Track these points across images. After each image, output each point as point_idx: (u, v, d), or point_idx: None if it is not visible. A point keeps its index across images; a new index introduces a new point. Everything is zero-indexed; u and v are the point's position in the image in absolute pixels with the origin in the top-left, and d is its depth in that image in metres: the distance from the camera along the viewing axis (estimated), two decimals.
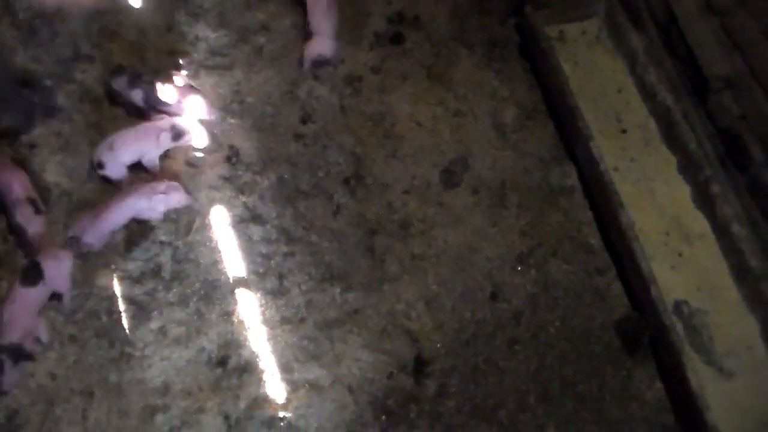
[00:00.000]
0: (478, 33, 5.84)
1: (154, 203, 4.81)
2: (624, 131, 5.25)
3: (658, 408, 4.50)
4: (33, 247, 4.68)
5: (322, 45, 5.50)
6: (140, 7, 5.81)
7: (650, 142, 5.22)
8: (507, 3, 5.94)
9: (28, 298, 4.40)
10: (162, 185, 4.85)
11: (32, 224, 4.71)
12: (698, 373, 4.30)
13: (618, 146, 5.16)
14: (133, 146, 4.97)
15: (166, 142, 5.01)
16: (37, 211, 4.75)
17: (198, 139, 5.14)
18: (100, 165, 4.95)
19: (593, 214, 5.07)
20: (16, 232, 4.75)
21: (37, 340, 4.45)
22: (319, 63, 5.54)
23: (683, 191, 5.03)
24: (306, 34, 5.61)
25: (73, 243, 4.72)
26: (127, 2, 5.80)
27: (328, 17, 5.54)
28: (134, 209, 4.82)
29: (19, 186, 4.78)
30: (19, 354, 4.29)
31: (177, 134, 5.02)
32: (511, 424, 4.41)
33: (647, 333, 4.57)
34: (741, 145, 4.86)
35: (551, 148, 5.33)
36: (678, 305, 4.63)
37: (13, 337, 4.28)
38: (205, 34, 5.73)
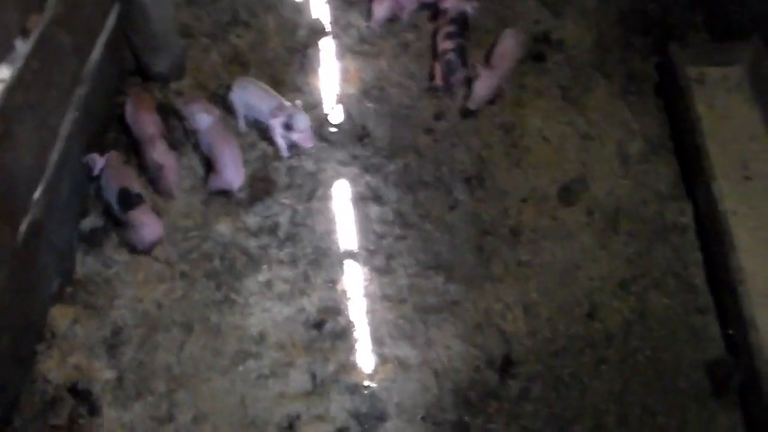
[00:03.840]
0: (619, 65, 5.97)
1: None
2: (748, 178, 5.20)
3: None
4: (165, 182, 4.96)
5: None
6: None
7: None
8: (652, 41, 6.06)
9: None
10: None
11: (166, 158, 4.98)
12: None
13: (739, 192, 5.11)
14: (257, 100, 5.23)
15: (276, 127, 5.17)
16: (173, 147, 5.07)
17: (306, 143, 5.23)
18: (230, 89, 5.29)
19: (702, 255, 5.06)
20: (149, 169, 5.03)
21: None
22: None
23: None
24: None
25: None
26: None
27: None
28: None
29: (154, 126, 5.05)
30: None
31: (289, 127, 5.14)
32: None
33: (738, 378, 4.53)
34: None
35: (671, 185, 5.36)
36: None
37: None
38: (358, 23, 6.04)
